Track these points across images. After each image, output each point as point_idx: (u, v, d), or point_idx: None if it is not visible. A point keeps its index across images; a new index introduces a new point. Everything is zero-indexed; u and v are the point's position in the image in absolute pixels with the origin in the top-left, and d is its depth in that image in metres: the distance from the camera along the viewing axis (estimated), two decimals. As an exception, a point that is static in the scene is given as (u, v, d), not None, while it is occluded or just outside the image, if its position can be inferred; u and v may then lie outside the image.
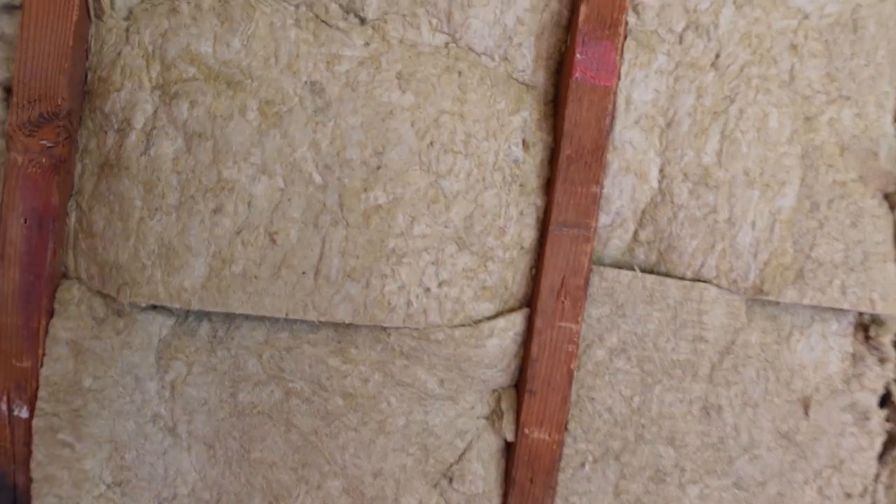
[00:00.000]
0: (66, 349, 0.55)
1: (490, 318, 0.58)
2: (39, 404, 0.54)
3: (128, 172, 0.55)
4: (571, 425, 0.63)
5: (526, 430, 0.60)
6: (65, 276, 0.58)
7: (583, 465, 0.63)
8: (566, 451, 0.62)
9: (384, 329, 0.56)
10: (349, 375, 0.56)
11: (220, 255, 0.55)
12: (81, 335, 0.56)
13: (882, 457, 0.66)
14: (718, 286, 0.64)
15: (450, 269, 0.57)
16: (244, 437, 0.56)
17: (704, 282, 0.64)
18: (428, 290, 0.57)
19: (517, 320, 0.59)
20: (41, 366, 0.55)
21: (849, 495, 0.65)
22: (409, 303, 0.56)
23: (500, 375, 0.59)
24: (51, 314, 0.56)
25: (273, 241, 0.55)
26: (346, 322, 0.55)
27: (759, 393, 0.65)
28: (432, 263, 0.57)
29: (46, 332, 0.56)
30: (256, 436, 0.56)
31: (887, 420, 0.66)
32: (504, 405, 0.60)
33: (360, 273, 0.55)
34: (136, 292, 0.56)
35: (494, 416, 0.61)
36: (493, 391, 0.61)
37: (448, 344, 0.56)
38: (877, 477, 0.66)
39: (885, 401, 0.66)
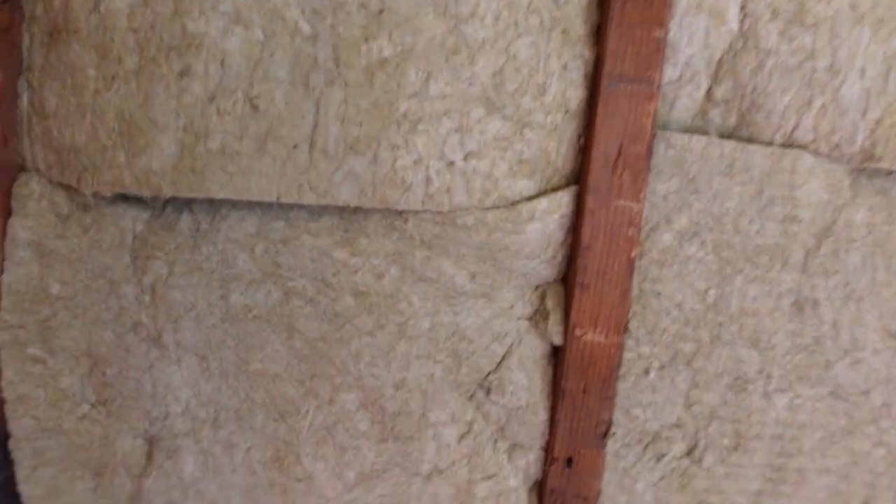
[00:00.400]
0: (28, 252, 0.47)
1: (530, 199, 0.47)
2: (3, 315, 0.46)
3: (77, 36, 0.45)
4: (633, 325, 0.52)
5: (577, 332, 0.50)
6: (22, 168, 0.49)
7: (647, 371, 0.53)
8: (627, 355, 0.52)
9: (400, 214, 0.46)
10: (360, 270, 0.46)
11: (191, 129, 0.45)
12: (44, 235, 0.48)
13: None
14: (816, 153, 0.51)
15: (477, 137, 0.46)
16: (240, 345, 0.47)
17: (798, 147, 0.51)
18: (451, 163, 0.45)
19: (564, 200, 0.48)
20: (1, 272, 0.47)
21: (973, 401, 0.54)
22: (428, 180, 0.45)
23: (543, 268, 0.49)
24: (8, 213, 0.48)
25: (255, 107, 0.44)
26: (352, 206, 0.45)
27: (864, 284, 0.53)
28: (455, 131, 0.45)
29: (4, 233, 0.47)
30: (254, 344, 0.47)
31: None
32: (550, 303, 0.50)
33: (365, 144, 0.44)
34: (97, 180, 0.46)
35: (538, 317, 0.51)
36: (536, 287, 0.50)
37: (479, 230, 0.45)
38: None
39: None
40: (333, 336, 0.48)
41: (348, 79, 0.43)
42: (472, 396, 0.52)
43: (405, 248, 0.46)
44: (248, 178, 0.44)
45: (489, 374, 0.51)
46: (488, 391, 0.52)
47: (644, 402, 0.53)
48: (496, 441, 0.53)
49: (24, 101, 0.49)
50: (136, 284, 0.47)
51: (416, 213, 0.45)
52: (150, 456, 0.49)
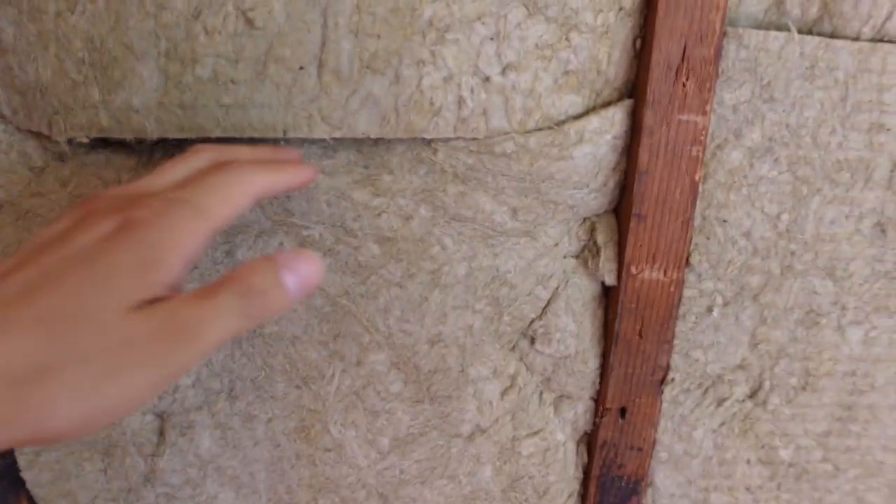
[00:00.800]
0: (1, 214, 0.41)
1: (578, 118, 0.40)
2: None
3: (25, -57, 0.37)
4: (695, 258, 0.46)
5: (633, 269, 0.44)
6: (-17, 113, 0.42)
7: (710, 309, 0.48)
8: (687, 292, 0.47)
9: (428, 143, 0.39)
10: (384, 212, 0.39)
11: (175, 54, 0.37)
12: (17, 193, 0.41)
13: None
14: (910, 47, 0.44)
15: (517, 45, 0.38)
16: None
17: (890, 42, 0.44)
18: (487, 79, 0.38)
19: (617, 117, 0.41)
20: (-26, 236, 0.41)
21: None
22: (460, 101, 0.38)
23: (593, 198, 0.42)
24: (-27, 167, 0.41)
25: (250, 22, 0.36)
26: (373, 136, 0.38)
27: (956, 198, 0.46)
28: (491, 39, 0.38)
29: (-29, 191, 0.41)
30: None
31: None
32: (601, 238, 0.44)
33: (384, 61, 0.37)
34: (70, 123, 0.39)
35: (587, 254, 0.45)
36: (585, 220, 0.44)
37: (521, 157, 0.39)
38: None
39: None
40: (358, 290, 0.42)
41: (359, -20, 0.35)
42: (514, 347, 0.47)
43: (435, 184, 0.40)
44: (247, 110, 0.37)
45: (533, 321, 0.46)
46: (532, 340, 0.46)
47: (705, 343, 0.48)
48: (542, 393, 0.49)
49: (-24, 32, 0.41)
50: (130, 242, 0.41)
51: (446, 141, 0.38)
52: (162, 433, 0.45)
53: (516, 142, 0.39)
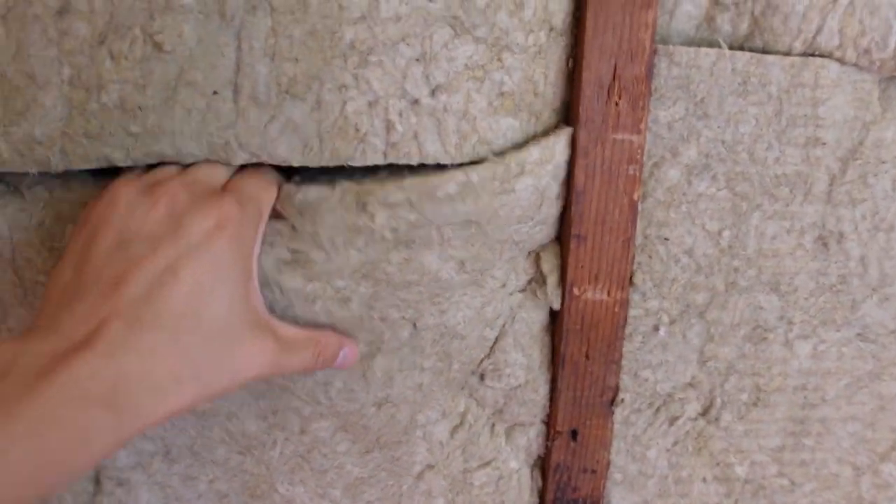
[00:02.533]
0: None
1: (518, 148, 0.40)
2: None
3: (-87, -35, 0.35)
4: (638, 278, 0.46)
5: (576, 291, 0.44)
6: None
7: (656, 328, 0.48)
8: (633, 312, 0.47)
9: (364, 209, 0.37)
10: (318, 299, 0.37)
11: (79, 81, 0.36)
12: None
13: None
14: (842, 61, 0.45)
15: (445, 66, 0.38)
16: None
17: (821, 56, 0.45)
18: (416, 101, 0.37)
19: (558, 147, 0.40)
20: None
21: None
22: (388, 125, 0.37)
23: (538, 230, 0.42)
24: None
25: (158, 47, 0.35)
26: (295, 164, 0.37)
27: (894, 212, 0.47)
28: (417, 60, 0.37)
29: None
30: None
31: None
32: (546, 266, 0.43)
33: (304, 85, 0.36)
34: (-32, 156, 0.37)
35: (534, 285, 0.44)
36: (529, 254, 0.44)
37: (465, 197, 0.37)
38: None
39: None
40: None
41: (275, 2, 0.34)
42: (463, 387, 0.46)
43: (377, 255, 0.38)
44: (157, 138, 0.35)
45: (482, 360, 0.45)
46: (482, 377, 0.45)
47: (654, 362, 0.48)
48: (493, 425, 0.48)
49: None
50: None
51: (383, 203, 0.37)
52: (98, 482, 0.42)
53: (457, 180, 0.38)
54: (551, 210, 0.42)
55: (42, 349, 0.22)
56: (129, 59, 0.35)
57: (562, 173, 0.41)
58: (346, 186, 0.37)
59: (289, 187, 0.37)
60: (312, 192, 0.37)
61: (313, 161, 0.36)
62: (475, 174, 0.37)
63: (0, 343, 0.24)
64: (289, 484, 0.44)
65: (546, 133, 0.41)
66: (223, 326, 0.26)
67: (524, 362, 0.45)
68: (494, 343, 0.45)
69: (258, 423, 0.42)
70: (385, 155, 0.37)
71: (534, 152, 0.39)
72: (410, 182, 0.37)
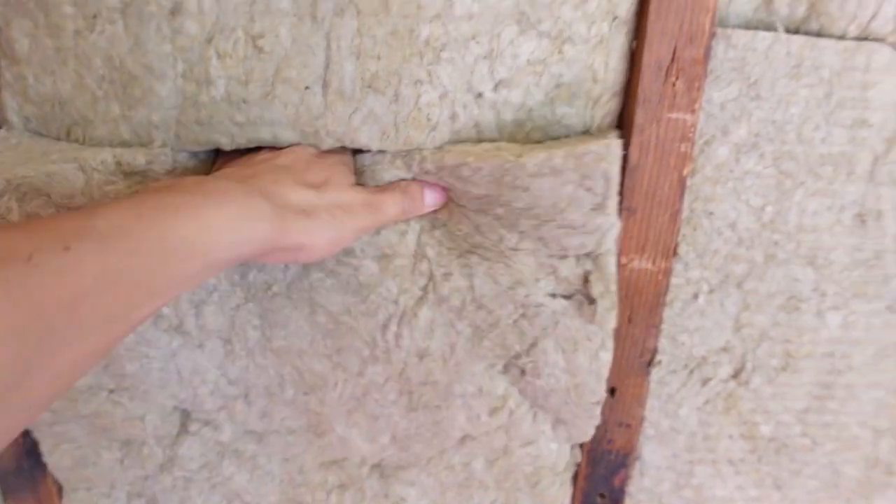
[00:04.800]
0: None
1: (572, 144, 0.46)
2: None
3: (43, -35, 0.44)
4: (682, 249, 0.55)
5: (623, 260, 0.52)
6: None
7: (695, 296, 0.56)
8: (674, 280, 0.55)
9: (406, 163, 0.46)
10: (383, 229, 0.47)
11: (191, 75, 0.45)
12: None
13: None
14: (894, 46, 0.50)
15: (510, 62, 0.45)
16: (264, 324, 0.50)
17: (874, 41, 0.50)
18: (480, 95, 0.46)
19: (588, 156, 0.43)
20: None
21: None
22: (453, 116, 0.46)
23: (581, 239, 0.48)
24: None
25: (258, 47, 0.43)
26: (373, 149, 0.46)
27: (936, 189, 0.54)
28: (484, 57, 0.45)
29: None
30: (277, 321, 0.50)
31: None
32: (597, 289, 0.50)
33: (384, 81, 0.44)
34: (90, 134, 0.47)
35: (581, 299, 0.50)
36: (578, 260, 0.50)
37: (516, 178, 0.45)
38: None
39: None
40: (359, 308, 0.50)
41: (360, 6, 0.42)
42: (504, 372, 0.54)
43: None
44: (258, 127, 0.44)
45: (520, 355, 0.52)
46: (523, 371, 0.53)
47: (691, 327, 0.57)
48: (536, 414, 0.57)
49: (-9, 42, 0.48)
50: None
51: (420, 169, 0.46)
52: (184, 425, 0.54)
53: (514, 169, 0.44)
54: (591, 220, 0.45)
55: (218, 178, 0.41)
56: (233, 56, 0.44)
57: (601, 185, 0.44)
58: (395, 153, 0.46)
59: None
60: (368, 158, 0.47)
61: (389, 146, 0.45)
62: (488, 166, 0.43)
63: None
64: (345, 425, 0.55)
65: (606, 131, 0.47)
66: (338, 187, 0.43)
67: (564, 365, 0.51)
68: (534, 343, 0.51)
69: (323, 362, 0.52)
70: (449, 139, 0.46)
71: (592, 147, 0.43)
72: (435, 156, 0.45)
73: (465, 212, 0.47)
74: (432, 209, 0.46)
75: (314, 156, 0.44)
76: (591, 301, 0.49)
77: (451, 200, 0.47)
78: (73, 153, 0.46)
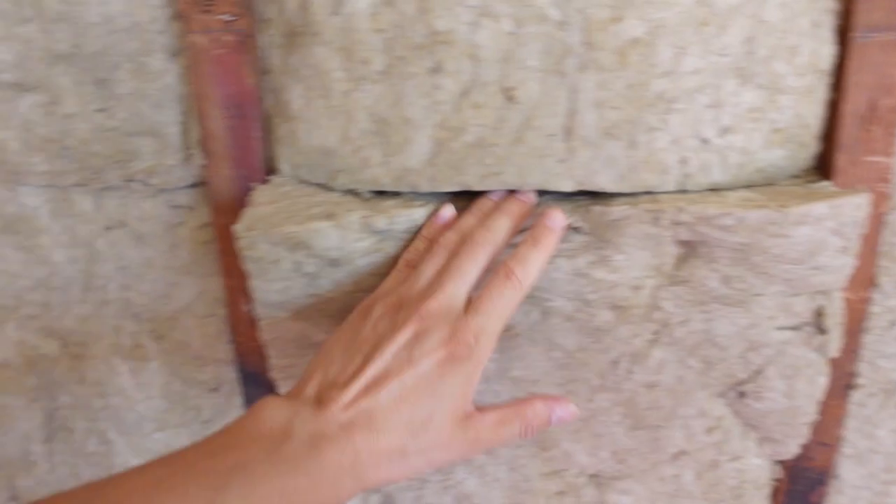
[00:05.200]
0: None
1: (802, 202, 0.49)
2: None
3: (319, 38, 0.52)
4: (881, 280, 0.58)
5: (828, 293, 0.56)
6: (265, 171, 0.59)
7: (893, 324, 0.59)
8: (873, 309, 0.59)
9: (656, 219, 0.51)
10: (618, 286, 0.52)
11: (446, 125, 0.52)
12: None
13: None
14: None
15: (731, 111, 0.51)
16: (502, 357, 0.56)
17: None
18: (706, 141, 0.51)
19: (846, 206, 0.48)
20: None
21: None
22: (683, 160, 0.51)
23: (812, 274, 0.52)
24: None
25: (510, 99, 0.50)
26: (610, 191, 0.52)
27: None
28: (710, 107, 0.50)
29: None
30: (515, 356, 0.56)
31: None
32: (829, 321, 0.55)
33: (622, 129, 0.50)
34: (353, 179, 0.55)
35: (811, 330, 0.56)
36: (811, 296, 0.55)
37: (738, 230, 0.49)
38: None
39: None
40: (594, 347, 0.55)
41: (601, 62, 0.49)
42: (722, 395, 0.58)
43: (661, 260, 0.53)
44: (505, 170, 0.51)
45: (744, 381, 0.57)
46: (742, 395, 0.58)
47: (889, 353, 0.60)
48: (746, 432, 0.61)
49: (266, 103, 0.57)
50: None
51: (673, 221, 0.50)
52: None
53: (735, 216, 0.49)
54: (834, 261, 0.51)
55: (314, 424, 0.35)
56: (486, 107, 0.51)
57: (851, 231, 0.49)
58: (645, 207, 0.51)
59: (595, 209, 0.52)
60: (616, 212, 0.52)
61: (624, 188, 0.51)
62: (753, 216, 0.49)
63: (278, 399, 0.37)
64: (571, 441, 0.60)
65: (840, 195, 0.50)
66: (437, 434, 0.38)
67: (784, 390, 0.56)
68: (759, 370, 0.56)
69: (556, 389, 0.58)
70: (679, 184, 0.51)
71: (820, 209, 0.48)
72: (694, 208, 0.50)
73: (716, 266, 0.52)
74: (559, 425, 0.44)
75: (459, 314, 0.41)
76: (823, 332, 0.54)
77: (695, 257, 0.52)
78: (330, 208, 0.53)
